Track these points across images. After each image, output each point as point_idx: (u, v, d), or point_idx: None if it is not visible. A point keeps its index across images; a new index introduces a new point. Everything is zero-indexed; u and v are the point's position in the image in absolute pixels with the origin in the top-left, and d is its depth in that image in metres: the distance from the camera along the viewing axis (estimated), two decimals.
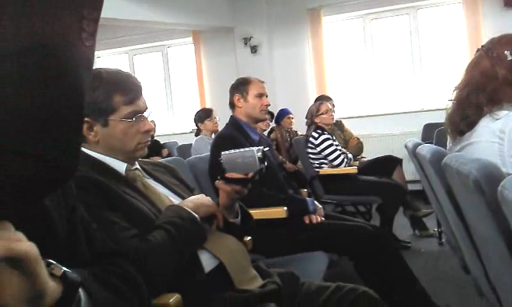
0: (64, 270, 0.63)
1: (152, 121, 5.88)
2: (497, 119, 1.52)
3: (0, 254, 0.51)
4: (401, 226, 3.92)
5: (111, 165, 1.31)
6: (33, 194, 0.56)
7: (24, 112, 0.49)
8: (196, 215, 1.25)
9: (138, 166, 1.40)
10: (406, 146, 2.25)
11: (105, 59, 7.40)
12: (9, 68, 0.48)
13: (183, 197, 1.40)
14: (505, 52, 1.57)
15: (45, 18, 0.50)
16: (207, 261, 1.26)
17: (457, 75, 1.74)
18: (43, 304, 0.58)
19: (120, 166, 1.33)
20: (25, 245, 0.54)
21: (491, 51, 1.60)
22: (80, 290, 0.67)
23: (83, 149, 1.28)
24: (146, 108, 1.34)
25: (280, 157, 4.70)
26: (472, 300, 2.14)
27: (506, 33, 1.66)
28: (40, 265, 0.56)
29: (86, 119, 1.25)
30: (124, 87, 1.28)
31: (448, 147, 1.81)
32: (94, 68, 1.16)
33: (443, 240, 3.49)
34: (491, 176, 0.95)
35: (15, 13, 0.49)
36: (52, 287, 0.60)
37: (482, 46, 1.66)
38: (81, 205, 0.85)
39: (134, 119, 1.29)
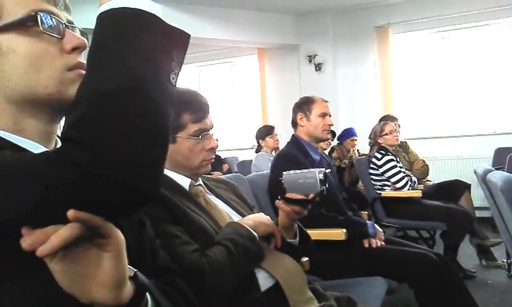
0: (136, 271, 0.67)
1: (216, 139, 6.08)
2: None
3: (98, 223, 0.57)
4: (467, 255, 3.72)
5: (176, 180, 1.36)
6: (120, 214, 0.62)
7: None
8: (255, 234, 1.26)
9: (201, 182, 1.45)
10: (475, 172, 2.16)
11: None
12: (113, 107, 0.55)
13: (243, 215, 1.42)
14: None
15: (143, 59, 0.57)
16: (264, 281, 1.27)
17: None
18: (122, 293, 0.62)
19: (185, 182, 1.38)
20: (116, 229, 0.60)
21: None
22: (148, 295, 0.71)
23: None
24: (212, 126, 1.39)
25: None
26: None
27: None
28: (125, 250, 0.62)
29: None
30: (193, 106, 1.34)
31: None
32: None
33: None
34: None
35: (118, 55, 0.56)
36: (129, 282, 0.64)
37: None
38: (149, 220, 0.90)
39: (200, 136, 1.34)
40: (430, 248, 3.31)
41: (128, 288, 0.64)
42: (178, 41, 0.63)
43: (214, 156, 1.42)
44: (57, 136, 0.77)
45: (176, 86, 0.62)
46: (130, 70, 0.56)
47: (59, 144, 0.76)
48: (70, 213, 0.53)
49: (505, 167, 3.54)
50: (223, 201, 1.48)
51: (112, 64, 0.57)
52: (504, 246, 2.90)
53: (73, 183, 0.54)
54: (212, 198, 1.44)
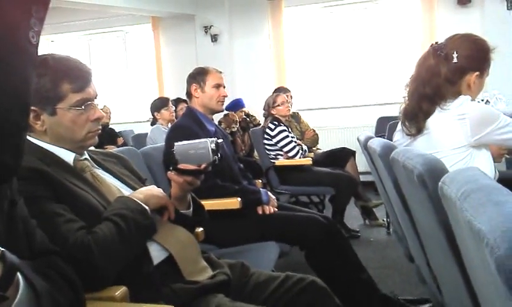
0: (3, 251, 0.62)
1: (107, 107, 5.73)
2: (447, 110, 1.63)
3: None
4: (352, 217, 4.03)
5: (58, 155, 1.27)
6: None
7: None
8: (146, 207, 1.23)
9: (87, 156, 1.37)
10: (358, 139, 2.31)
11: (61, 43, 7.14)
12: None
13: (134, 189, 1.38)
14: (453, 53, 1.66)
15: None
16: (156, 253, 1.25)
17: (411, 69, 1.82)
18: None
19: (68, 156, 1.29)
20: None
21: (441, 50, 1.69)
22: (19, 275, 0.66)
23: (29, 138, 1.24)
24: (97, 95, 1.31)
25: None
26: (416, 288, 2.25)
27: (459, 33, 1.76)
28: None
29: (32, 108, 1.20)
30: (72, 74, 1.24)
31: (394, 139, 1.89)
32: (41, 54, 1.13)
33: (391, 230, 3.62)
34: (434, 171, 0.99)
35: None
36: None
37: (434, 43, 1.75)
38: (22, 199, 0.83)
39: (83, 107, 1.26)
40: (320, 212, 3.53)
41: None
42: None
43: (100, 127, 1.35)
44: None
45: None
46: None
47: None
48: None
49: (386, 134, 3.85)
50: (112, 175, 1.41)
51: None
52: (384, 207, 3.18)
53: None
54: (100, 173, 1.37)
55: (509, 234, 0.45)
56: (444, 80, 1.67)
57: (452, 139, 1.61)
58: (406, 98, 1.80)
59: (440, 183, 0.85)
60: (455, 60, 1.66)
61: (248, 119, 5.25)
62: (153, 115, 4.65)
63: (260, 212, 2.24)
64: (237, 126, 5.03)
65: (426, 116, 1.69)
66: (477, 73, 1.69)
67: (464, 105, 1.63)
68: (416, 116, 1.72)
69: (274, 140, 3.84)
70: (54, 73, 1.22)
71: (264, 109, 4.08)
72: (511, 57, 4.61)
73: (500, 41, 2.23)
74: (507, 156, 1.98)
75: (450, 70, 1.67)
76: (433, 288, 1.44)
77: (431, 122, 1.68)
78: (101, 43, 7.19)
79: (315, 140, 4.70)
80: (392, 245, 3.28)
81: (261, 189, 2.41)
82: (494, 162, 1.70)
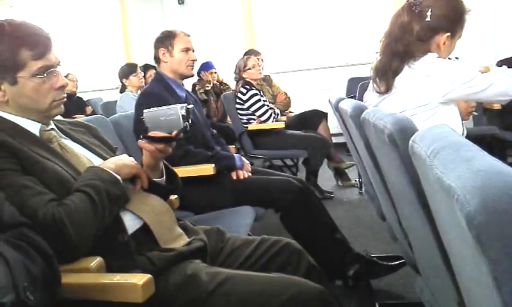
0: None
1: (72, 75, 5.55)
2: (414, 69, 1.63)
3: None
4: (325, 178, 4.08)
5: (23, 126, 1.23)
6: None
7: None
8: (118, 177, 1.21)
9: (54, 126, 1.33)
10: (329, 101, 2.31)
11: (21, 8, 6.80)
12: None
13: (104, 158, 1.35)
14: (427, 11, 1.63)
15: None
16: (130, 222, 1.24)
17: (381, 29, 1.80)
18: None
19: (34, 127, 1.25)
20: None
21: (416, 6, 1.65)
22: None
23: None
24: (59, 62, 1.26)
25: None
26: (388, 246, 2.31)
27: None
28: None
29: None
30: (31, 41, 1.19)
31: (364, 99, 1.89)
32: None
33: (363, 190, 3.68)
34: (404, 131, 0.99)
35: None
36: None
37: None
38: None
39: (45, 74, 1.21)
40: (294, 175, 3.57)
41: None
42: None
43: (65, 95, 1.30)
44: None
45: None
46: None
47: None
48: None
49: (357, 95, 3.87)
50: (81, 145, 1.38)
51: None
52: (356, 167, 3.23)
53: None
54: (68, 143, 1.33)
55: (478, 190, 0.45)
56: (415, 38, 1.65)
57: (420, 97, 1.62)
58: (378, 53, 1.79)
59: (410, 142, 0.85)
60: (428, 19, 1.63)
61: (221, 86, 5.16)
62: (121, 82, 4.54)
63: (234, 177, 2.24)
64: (211, 86, 4.96)
65: (395, 74, 1.68)
66: (448, 34, 1.66)
67: (431, 63, 1.62)
68: (386, 72, 1.71)
69: (247, 104, 3.81)
70: (12, 40, 1.16)
71: (234, 73, 4.03)
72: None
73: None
74: (475, 113, 2.02)
75: (423, 27, 1.64)
76: (404, 245, 1.48)
77: (399, 81, 1.67)
78: (63, 6, 6.87)
79: (287, 103, 4.69)
80: (364, 205, 3.34)
81: (235, 154, 2.40)
82: (462, 120, 1.72)
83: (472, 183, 0.47)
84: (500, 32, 5.18)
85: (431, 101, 1.60)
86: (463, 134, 1.67)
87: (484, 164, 0.50)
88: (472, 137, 1.18)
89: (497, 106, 3.61)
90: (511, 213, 0.44)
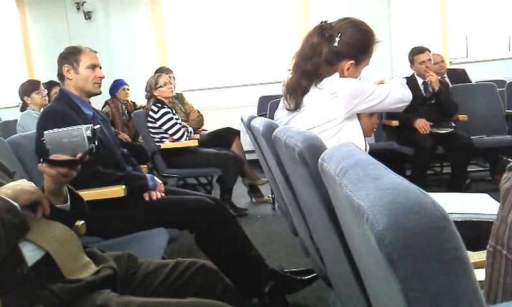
0: None
1: None
2: (321, 89, 1.70)
3: None
4: (240, 195, 4.11)
5: None
6: None
7: None
8: (16, 204, 1.11)
9: None
10: (242, 119, 2.34)
11: None
12: None
13: (1, 184, 1.23)
14: (336, 36, 1.71)
15: None
16: (31, 253, 1.13)
17: (289, 50, 1.85)
18: None
19: None
20: None
21: (327, 30, 1.72)
22: None
23: None
24: None
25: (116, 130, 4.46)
26: (301, 260, 2.37)
27: (351, 17, 1.78)
28: None
29: None
30: None
31: (275, 117, 1.94)
32: None
33: (276, 205, 3.76)
34: (313, 148, 1.02)
35: None
36: None
37: (323, 21, 1.76)
38: None
39: None
40: (208, 193, 3.55)
41: None
42: None
43: None
44: None
45: None
46: None
47: None
48: None
49: (267, 113, 3.97)
50: None
51: None
52: (269, 183, 3.29)
53: None
54: None
55: (387, 208, 0.46)
56: (323, 61, 1.72)
57: (326, 114, 1.69)
58: (290, 72, 1.84)
59: (319, 160, 0.88)
60: (336, 44, 1.70)
61: (135, 107, 4.98)
62: (22, 100, 4.25)
63: (146, 198, 2.16)
64: (124, 106, 4.81)
65: (304, 92, 1.74)
66: (352, 61, 1.72)
67: (335, 83, 1.69)
68: (295, 90, 1.76)
69: (158, 123, 3.74)
70: None
71: (145, 91, 3.94)
72: None
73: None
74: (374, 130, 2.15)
75: (330, 51, 1.70)
76: (317, 259, 1.52)
77: (307, 99, 1.73)
78: None
79: (200, 121, 4.67)
80: (277, 221, 3.41)
81: (147, 174, 2.32)
82: (365, 136, 1.82)
83: (380, 202, 0.48)
84: (395, 53, 5.63)
85: (336, 116, 1.67)
86: (366, 150, 1.77)
87: (390, 183, 0.52)
88: (374, 152, 1.25)
89: (395, 123, 3.91)
90: (418, 230, 0.45)
